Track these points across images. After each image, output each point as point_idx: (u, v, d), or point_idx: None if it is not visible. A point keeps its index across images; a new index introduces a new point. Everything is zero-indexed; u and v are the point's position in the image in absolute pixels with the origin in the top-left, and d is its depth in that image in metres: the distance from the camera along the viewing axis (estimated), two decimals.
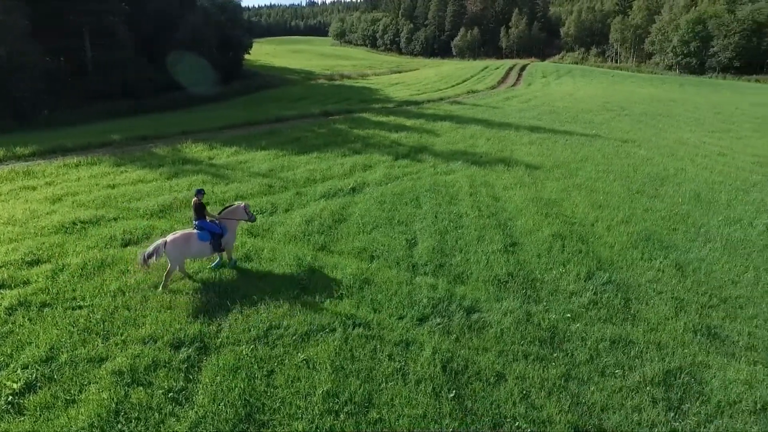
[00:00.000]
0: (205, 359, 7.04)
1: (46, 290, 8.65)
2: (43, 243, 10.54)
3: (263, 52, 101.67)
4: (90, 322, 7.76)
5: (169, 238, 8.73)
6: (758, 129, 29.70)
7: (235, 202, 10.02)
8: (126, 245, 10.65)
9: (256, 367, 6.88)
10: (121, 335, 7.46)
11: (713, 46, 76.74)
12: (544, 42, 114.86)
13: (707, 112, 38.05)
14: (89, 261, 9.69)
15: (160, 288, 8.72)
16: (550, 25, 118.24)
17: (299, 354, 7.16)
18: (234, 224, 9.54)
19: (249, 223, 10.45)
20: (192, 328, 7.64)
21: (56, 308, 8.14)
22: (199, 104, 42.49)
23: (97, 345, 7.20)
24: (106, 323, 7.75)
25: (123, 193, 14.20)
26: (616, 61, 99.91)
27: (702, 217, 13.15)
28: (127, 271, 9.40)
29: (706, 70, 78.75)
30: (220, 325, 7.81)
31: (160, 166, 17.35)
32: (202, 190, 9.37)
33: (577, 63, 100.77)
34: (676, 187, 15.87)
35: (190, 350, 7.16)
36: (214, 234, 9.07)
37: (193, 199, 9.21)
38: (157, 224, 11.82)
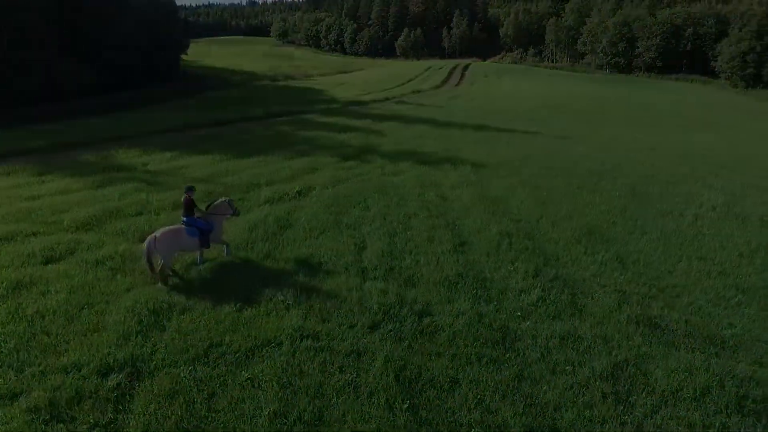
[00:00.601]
0: (138, 386, 6.42)
1: None
2: None
3: (203, 53, 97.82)
4: (1, 353, 6.91)
5: (158, 233, 8.79)
6: (682, 125, 31.83)
7: (220, 198, 10.21)
8: (47, 263, 9.67)
9: (195, 390, 6.35)
10: (39, 365, 6.67)
11: (638, 47, 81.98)
12: (484, 42, 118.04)
13: (637, 109, 40.39)
14: (2, 282, 8.69)
15: (159, 284, 8.69)
16: (490, 26, 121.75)
17: (243, 372, 6.69)
18: (220, 219, 9.83)
19: (234, 217, 10.47)
20: (122, 352, 6.97)
21: None
22: (133, 107, 40.11)
23: (9, 379, 6.39)
24: (20, 353, 6.91)
25: (45, 205, 12.98)
26: (552, 61, 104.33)
27: (638, 210, 13.74)
28: (48, 291, 8.50)
29: (633, 69, 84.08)
30: (154, 345, 7.19)
31: (88, 175, 16.09)
32: (193, 186, 9.63)
33: (516, 63, 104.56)
34: (613, 182, 16.54)
35: (121, 376, 6.52)
36: (202, 230, 9.26)
37: (184, 196, 9.39)
38: (83, 238, 10.85)
